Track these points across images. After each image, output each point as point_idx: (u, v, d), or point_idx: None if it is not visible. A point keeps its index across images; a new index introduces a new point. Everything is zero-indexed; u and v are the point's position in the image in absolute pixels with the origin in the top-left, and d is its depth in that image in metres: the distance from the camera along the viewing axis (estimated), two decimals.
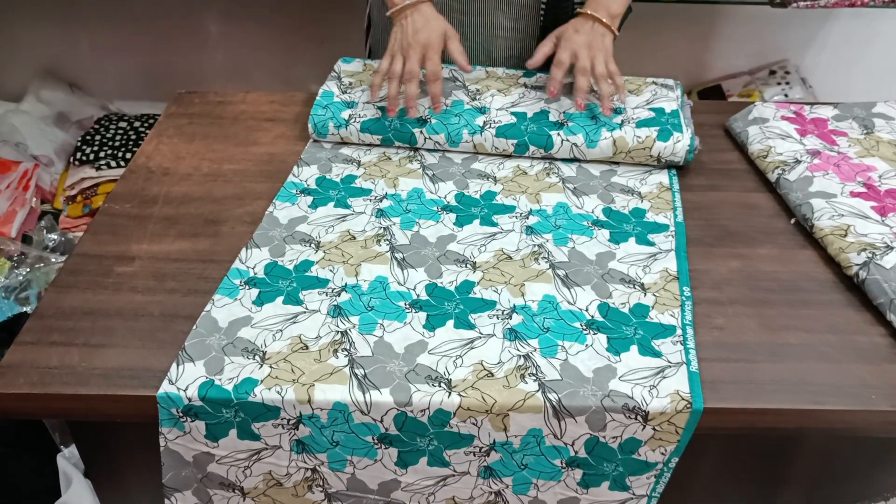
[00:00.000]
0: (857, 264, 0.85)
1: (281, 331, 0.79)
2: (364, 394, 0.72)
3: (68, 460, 1.30)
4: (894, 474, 0.89)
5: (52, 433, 1.32)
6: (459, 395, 0.72)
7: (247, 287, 0.84)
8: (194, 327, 0.79)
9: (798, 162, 1.00)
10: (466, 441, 0.75)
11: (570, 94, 1.09)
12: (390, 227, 0.93)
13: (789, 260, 0.90)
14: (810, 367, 0.77)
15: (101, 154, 1.97)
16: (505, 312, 0.81)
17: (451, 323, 0.80)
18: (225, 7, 2.03)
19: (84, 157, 1.96)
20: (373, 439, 0.75)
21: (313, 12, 2.01)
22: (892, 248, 0.84)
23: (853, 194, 0.94)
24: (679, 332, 0.80)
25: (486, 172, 1.04)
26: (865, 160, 1.01)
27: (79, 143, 2.00)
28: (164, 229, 0.92)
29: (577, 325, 0.80)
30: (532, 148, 1.05)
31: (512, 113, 1.07)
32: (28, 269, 1.77)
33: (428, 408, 0.72)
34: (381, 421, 0.73)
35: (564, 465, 0.76)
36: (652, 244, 0.91)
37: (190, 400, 0.72)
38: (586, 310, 0.82)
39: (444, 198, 0.99)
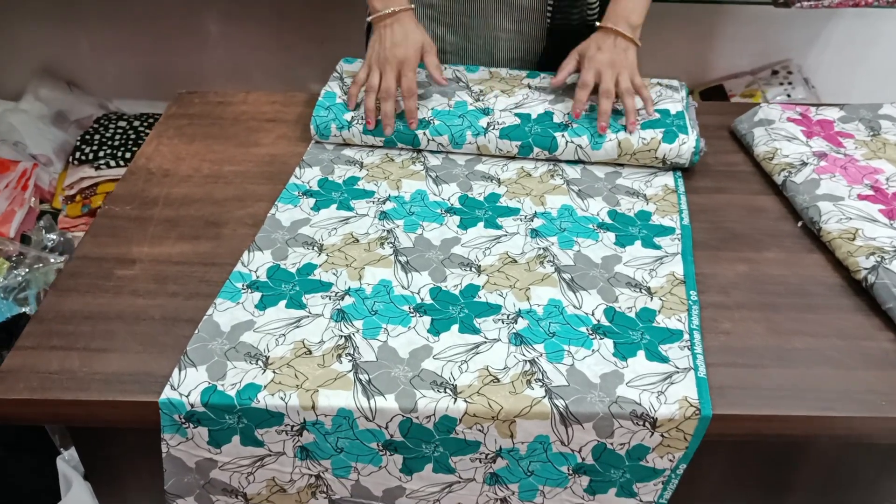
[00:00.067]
0: (866, 268, 0.84)
1: (284, 335, 0.78)
2: (369, 400, 0.71)
3: (68, 463, 1.29)
4: None
5: (52, 436, 1.32)
6: (465, 401, 0.72)
7: (249, 291, 0.83)
8: (196, 331, 0.78)
9: (804, 164, 0.99)
10: (472, 448, 0.74)
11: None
12: (394, 229, 0.92)
13: (796, 264, 0.89)
14: (818, 372, 0.76)
15: (101, 153, 1.95)
16: (510, 317, 0.81)
17: (455, 327, 0.79)
18: (224, 6, 2.02)
19: (83, 157, 1.95)
20: (377, 446, 0.74)
21: (313, 12, 2.00)
22: None
23: (861, 197, 0.93)
24: (686, 336, 0.79)
25: (490, 174, 1.03)
26: (872, 162, 1.00)
27: (78, 143, 1.99)
28: (165, 231, 0.91)
29: (583, 329, 0.79)
30: (536, 150, 1.04)
31: (516, 114, 1.06)
32: (27, 270, 1.76)
33: (433, 414, 0.71)
34: (386, 427, 0.72)
35: (571, 471, 0.76)
36: (658, 247, 0.91)
37: (192, 406, 0.71)
38: (592, 314, 0.81)
39: (448, 200, 0.98)
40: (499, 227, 0.93)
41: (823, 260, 0.89)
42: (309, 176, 1.01)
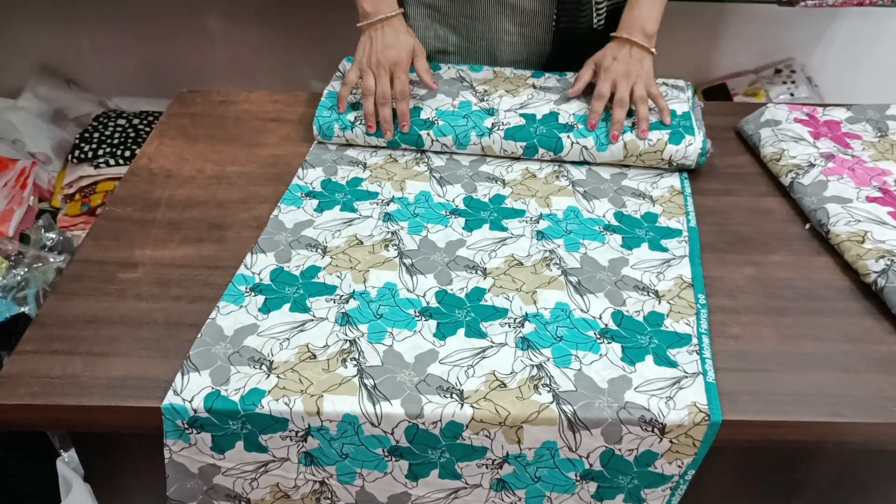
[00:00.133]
0: (876, 272, 0.83)
1: (288, 339, 0.77)
2: (374, 405, 0.71)
3: (67, 465, 1.28)
4: None
5: (52, 437, 1.31)
6: (472, 406, 0.71)
7: (252, 294, 0.82)
8: (199, 336, 0.77)
9: (812, 165, 0.98)
10: (479, 453, 0.73)
11: (582, 97, 1.08)
12: (398, 231, 0.92)
13: (804, 267, 0.88)
14: (828, 377, 0.75)
15: (100, 152, 1.94)
16: (517, 321, 0.80)
17: (461, 331, 0.78)
18: (224, 4, 2.00)
19: (82, 155, 1.94)
20: (383, 451, 0.73)
21: (313, 11, 1.99)
22: None
23: (869, 199, 0.92)
24: (695, 341, 0.78)
25: (495, 175, 1.02)
26: (880, 164, 0.99)
27: (77, 141, 1.98)
28: (168, 234, 0.90)
29: (590, 333, 0.79)
30: (541, 150, 1.03)
31: (521, 115, 1.05)
32: (26, 269, 1.75)
33: (440, 420, 0.71)
34: (392, 433, 0.71)
35: (579, 477, 0.75)
36: (665, 250, 0.90)
37: (196, 411, 0.71)
38: (600, 318, 0.80)
39: (453, 201, 0.97)
40: (504, 229, 0.92)
41: (832, 263, 0.89)
42: (312, 177, 1.01)
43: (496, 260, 0.88)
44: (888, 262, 0.82)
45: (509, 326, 0.79)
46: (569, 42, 1.13)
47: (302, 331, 0.78)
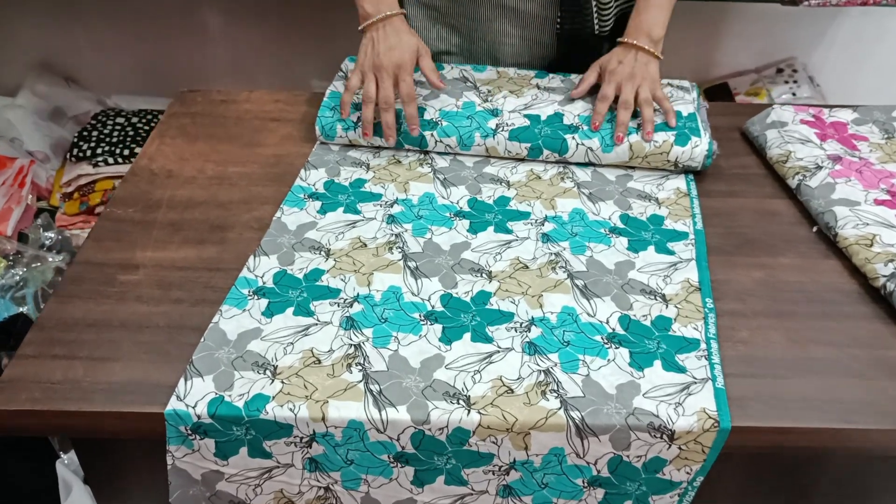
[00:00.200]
0: (885, 276, 0.82)
1: (292, 344, 0.76)
2: (380, 411, 0.70)
3: (67, 467, 1.27)
4: None
5: (51, 439, 1.30)
6: (479, 412, 0.70)
7: (255, 297, 0.81)
8: (202, 340, 0.76)
9: (819, 168, 0.97)
10: (486, 460, 0.72)
11: (587, 98, 1.07)
12: (402, 233, 0.91)
13: (812, 270, 0.87)
14: (838, 383, 0.74)
15: (99, 150, 1.93)
16: (523, 325, 0.79)
17: (467, 336, 0.78)
18: (224, 3, 1.99)
19: (81, 154, 1.92)
20: (388, 458, 0.72)
21: (313, 9, 1.97)
22: None
23: (877, 202, 0.91)
24: (703, 346, 0.77)
25: (499, 177, 1.01)
26: (888, 166, 0.99)
27: (75, 139, 1.96)
28: (169, 235, 0.89)
29: (598, 338, 0.78)
30: (546, 152, 1.02)
31: (525, 115, 1.04)
32: (24, 269, 1.74)
33: (446, 426, 0.70)
34: (398, 439, 0.71)
35: (586, 484, 0.74)
36: (672, 253, 0.89)
37: (199, 417, 0.70)
38: (607, 322, 0.80)
39: (457, 203, 0.96)
40: (509, 232, 0.91)
41: (840, 266, 0.88)
42: (314, 178, 1.00)
43: (501, 263, 0.87)
44: None
45: (515, 331, 0.78)
46: (573, 46, 1.12)
47: (306, 335, 0.77)
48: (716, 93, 2.05)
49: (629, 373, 0.74)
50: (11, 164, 1.88)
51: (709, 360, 0.76)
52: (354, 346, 0.76)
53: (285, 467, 0.74)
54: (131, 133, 1.99)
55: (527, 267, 0.86)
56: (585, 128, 1.02)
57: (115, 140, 1.96)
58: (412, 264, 0.86)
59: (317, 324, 0.78)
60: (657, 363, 0.75)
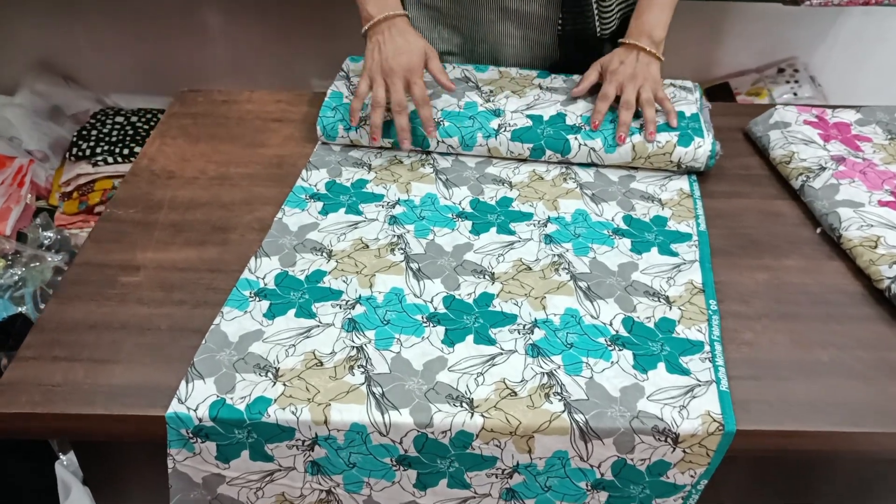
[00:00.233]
0: (889, 277, 0.82)
1: (294, 346, 0.76)
2: (383, 414, 0.69)
3: (66, 468, 1.27)
4: None
5: (51, 440, 1.29)
6: (482, 415, 0.70)
7: (257, 299, 0.81)
8: (203, 342, 0.75)
9: (823, 169, 0.97)
10: (489, 463, 0.72)
11: (588, 97, 1.06)
12: (404, 234, 0.90)
13: (816, 271, 0.87)
14: (844, 386, 0.74)
15: (98, 150, 1.92)
16: (526, 327, 0.78)
17: (470, 338, 0.77)
18: (224, 2, 1.98)
19: (80, 153, 1.92)
20: (391, 461, 0.72)
21: (313, 8, 1.97)
22: None
23: (881, 203, 0.91)
24: (707, 348, 0.77)
25: (501, 177, 1.00)
26: (891, 167, 0.98)
27: (74, 139, 1.95)
28: (171, 236, 0.88)
29: (601, 340, 0.77)
30: (549, 152, 1.01)
31: (528, 116, 1.03)
32: (23, 268, 1.73)
33: (450, 429, 0.69)
34: (401, 442, 0.70)
35: (590, 487, 0.74)
36: (675, 254, 0.88)
37: (200, 420, 0.69)
38: (610, 324, 0.79)
39: (459, 204, 0.96)
40: (512, 233, 0.91)
41: (844, 267, 0.87)
42: (316, 178, 0.99)
43: (504, 264, 0.86)
44: None
45: (519, 333, 0.78)
46: (575, 47, 1.12)
47: (308, 337, 0.77)
48: (717, 92, 2.05)
49: (633, 375, 0.74)
50: (10, 163, 1.88)
51: (713, 363, 0.75)
52: (357, 348, 0.76)
53: (287, 470, 0.73)
54: (131, 132, 1.98)
55: (530, 268, 0.86)
56: (588, 128, 1.01)
57: (114, 139, 1.95)
58: (414, 266, 0.86)
59: (319, 326, 0.78)
60: (661, 365, 0.75)
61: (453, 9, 1.14)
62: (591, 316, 0.80)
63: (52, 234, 1.85)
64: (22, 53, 2.07)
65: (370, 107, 0.98)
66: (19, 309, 1.66)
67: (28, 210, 1.90)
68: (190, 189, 0.96)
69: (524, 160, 1.03)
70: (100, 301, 0.80)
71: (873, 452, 0.74)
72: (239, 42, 2.05)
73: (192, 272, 0.84)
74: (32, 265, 1.76)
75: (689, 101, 1.07)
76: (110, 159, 1.91)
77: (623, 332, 0.78)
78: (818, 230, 0.93)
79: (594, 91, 1.05)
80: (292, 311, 0.79)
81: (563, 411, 0.70)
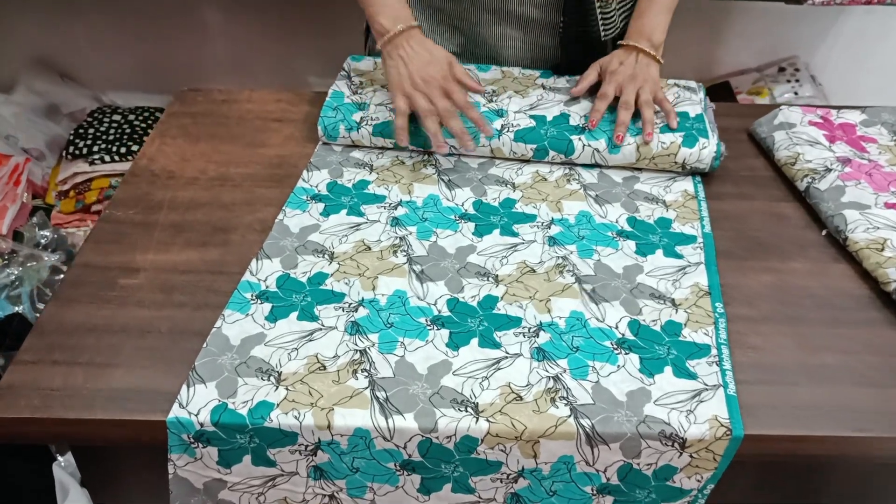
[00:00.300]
0: None
1: (296, 349, 0.75)
2: (387, 419, 0.68)
3: (64, 469, 1.26)
4: None
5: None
6: (487, 420, 0.69)
7: (259, 301, 0.80)
8: (204, 345, 0.74)
9: (828, 170, 0.96)
10: (494, 468, 0.71)
11: (591, 97, 1.05)
12: (406, 236, 0.89)
13: (823, 274, 0.86)
14: (851, 391, 0.73)
15: (95, 148, 1.91)
16: (531, 330, 0.78)
17: (475, 341, 0.76)
18: None
19: (77, 152, 1.90)
20: (395, 466, 0.71)
21: (313, 5, 1.96)
22: None
23: (888, 205, 0.90)
24: (714, 351, 0.76)
25: (504, 178, 1.00)
26: None
27: (71, 137, 1.94)
28: (171, 238, 0.87)
29: (607, 343, 0.77)
30: (552, 153, 1.00)
31: (531, 116, 1.03)
32: (20, 268, 1.72)
33: (454, 434, 0.68)
34: (405, 447, 0.69)
35: (595, 491, 0.73)
36: (680, 256, 0.88)
37: (202, 425, 0.68)
38: (616, 327, 0.78)
39: (462, 205, 0.95)
40: (515, 235, 0.90)
41: (850, 270, 0.87)
42: (317, 179, 0.98)
43: (508, 267, 0.86)
44: None
45: (524, 336, 0.77)
46: (576, 50, 1.11)
47: (310, 340, 0.76)
48: (717, 91, 2.04)
49: (639, 379, 0.73)
50: (7, 161, 1.86)
51: (720, 367, 0.74)
52: (360, 351, 0.75)
53: (289, 475, 0.72)
54: (128, 131, 1.97)
55: (534, 271, 0.85)
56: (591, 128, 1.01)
57: (111, 138, 1.94)
58: (417, 268, 0.85)
59: (321, 329, 0.77)
60: (668, 369, 0.74)
61: (455, 10, 1.14)
62: (597, 319, 0.79)
63: (48, 233, 1.84)
64: (18, 51, 2.05)
65: (420, 118, 0.97)
66: (16, 308, 1.65)
67: (24, 209, 1.89)
68: (190, 189, 0.95)
69: (527, 161, 1.03)
70: (99, 303, 0.79)
71: (881, 457, 0.73)
72: (237, 40, 2.04)
73: (192, 274, 0.83)
74: (29, 264, 1.75)
75: (694, 102, 1.06)
76: (107, 158, 1.90)
77: (629, 336, 0.77)
78: (823, 232, 0.92)
79: (594, 91, 1.05)
80: (294, 314, 0.78)
81: (570, 416, 0.69)
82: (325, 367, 0.73)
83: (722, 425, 0.69)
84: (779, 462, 0.79)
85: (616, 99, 1.01)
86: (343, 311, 0.79)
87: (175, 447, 0.70)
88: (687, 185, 0.99)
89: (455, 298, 0.81)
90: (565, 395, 0.71)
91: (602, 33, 1.08)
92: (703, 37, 2.02)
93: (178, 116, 1.09)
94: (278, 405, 0.69)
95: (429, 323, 0.78)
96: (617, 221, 0.93)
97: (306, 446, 0.70)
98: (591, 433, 0.68)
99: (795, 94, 1.97)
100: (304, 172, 0.99)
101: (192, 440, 0.69)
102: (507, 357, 0.75)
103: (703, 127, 1.01)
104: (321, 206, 0.93)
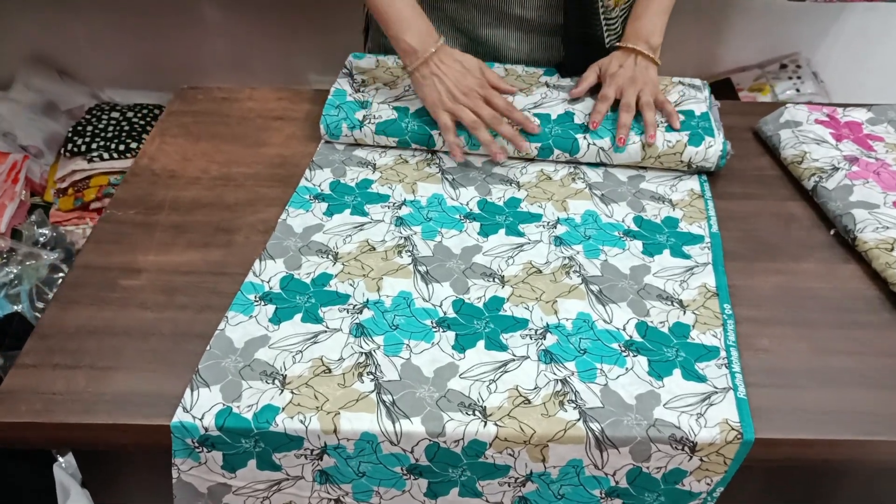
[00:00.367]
0: None
1: (301, 352, 0.74)
2: (394, 423, 0.68)
3: (65, 470, 1.25)
4: None
5: None
6: (496, 424, 0.68)
7: (262, 303, 0.79)
8: (208, 348, 0.74)
9: (836, 169, 0.95)
10: (502, 472, 0.70)
11: (594, 95, 1.05)
12: (411, 236, 0.88)
13: (831, 275, 0.86)
14: (862, 394, 0.72)
15: (93, 145, 1.90)
16: (538, 332, 0.77)
17: (481, 343, 0.75)
18: None
19: (75, 149, 1.89)
20: (401, 470, 0.70)
21: (313, 1, 1.94)
22: None
23: None
24: (723, 354, 0.75)
25: (509, 177, 0.99)
26: None
27: (69, 134, 1.93)
28: (173, 238, 0.86)
29: (615, 346, 0.76)
30: (556, 152, 0.99)
31: (535, 115, 1.02)
32: (18, 266, 1.71)
33: (462, 438, 0.68)
34: (412, 451, 0.69)
35: (604, 495, 0.72)
36: (688, 257, 0.87)
37: (206, 429, 0.67)
38: (624, 329, 0.78)
39: (466, 205, 0.94)
40: (521, 235, 0.89)
41: (860, 271, 0.86)
42: (320, 178, 0.97)
43: (514, 267, 0.85)
44: None
45: (530, 338, 0.76)
46: (580, 50, 1.10)
47: (315, 342, 0.75)
48: (719, 88, 2.03)
49: (648, 382, 0.72)
50: (4, 159, 1.85)
51: (729, 369, 0.74)
52: (365, 354, 0.74)
53: (295, 480, 0.71)
54: (127, 128, 1.96)
55: (540, 271, 0.84)
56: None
57: (110, 135, 1.93)
58: (422, 268, 0.84)
59: (326, 331, 0.76)
60: (677, 372, 0.73)
61: (456, 11, 1.13)
62: (604, 321, 0.78)
63: (47, 231, 1.83)
64: (16, 47, 2.04)
65: (469, 130, 0.96)
66: (15, 308, 1.64)
67: (23, 207, 1.87)
68: (192, 189, 0.94)
69: (531, 160, 1.02)
70: (100, 305, 0.78)
71: (893, 462, 0.73)
72: (236, 37, 2.03)
73: (195, 275, 0.82)
74: (28, 263, 1.74)
75: (699, 100, 1.05)
76: (106, 155, 1.89)
77: (637, 338, 0.77)
78: (832, 232, 0.91)
79: (595, 91, 1.04)
80: (298, 316, 0.78)
81: (579, 420, 0.68)
82: (330, 370, 0.72)
83: (733, 429, 0.68)
84: (787, 465, 0.78)
85: (617, 102, 1.01)
86: (348, 312, 0.78)
87: (179, 452, 0.69)
88: (693, 183, 0.98)
89: (461, 300, 0.80)
90: (574, 399, 0.70)
91: (606, 41, 1.07)
92: (705, 33, 2.01)
93: (178, 115, 1.08)
94: (283, 409, 0.68)
95: (434, 325, 0.77)
96: (623, 221, 0.92)
97: (312, 451, 0.69)
98: (601, 437, 0.68)
99: (797, 90, 1.97)
100: (307, 171, 0.98)
101: (196, 445, 0.68)
102: (514, 360, 0.74)
103: (709, 125, 1.00)
104: (324, 205, 0.92)
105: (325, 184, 0.96)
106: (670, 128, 0.99)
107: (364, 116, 1.01)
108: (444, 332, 0.76)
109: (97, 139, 1.91)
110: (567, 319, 0.78)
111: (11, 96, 2.01)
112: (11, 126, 1.95)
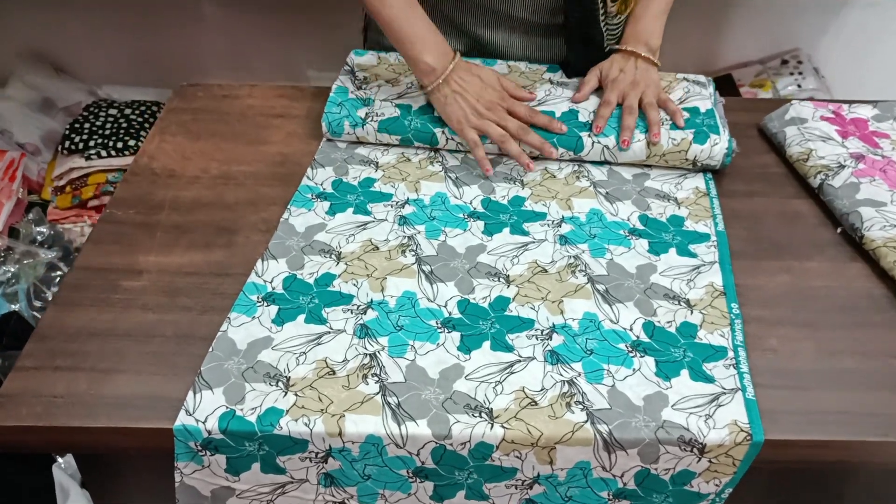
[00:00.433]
0: None
1: (305, 353, 0.73)
2: (399, 426, 0.67)
3: (64, 471, 1.24)
4: None
5: None
6: (503, 426, 0.67)
7: (265, 304, 0.78)
8: (210, 350, 0.73)
9: (842, 166, 0.95)
10: (508, 474, 0.69)
11: (599, 93, 1.04)
12: (415, 235, 0.87)
13: (839, 274, 0.85)
14: (871, 394, 0.72)
15: (91, 143, 1.88)
16: (544, 332, 0.76)
17: (487, 344, 0.75)
18: None
19: (73, 146, 1.88)
20: (407, 473, 0.69)
21: None
22: None
23: None
24: (731, 354, 0.75)
25: (513, 175, 0.98)
26: None
27: (67, 132, 1.92)
28: (174, 239, 0.85)
29: (622, 346, 0.75)
30: (561, 150, 0.99)
31: (539, 112, 1.01)
32: (16, 265, 1.70)
33: (469, 440, 0.67)
34: (418, 454, 0.68)
35: (611, 496, 0.72)
36: (694, 255, 0.86)
37: (210, 433, 0.67)
38: (630, 329, 0.77)
39: (470, 203, 0.93)
40: (526, 234, 0.88)
41: (867, 269, 0.85)
42: (322, 177, 0.96)
43: (519, 266, 0.84)
44: None
45: (537, 339, 0.75)
46: (582, 51, 1.09)
47: (319, 344, 0.74)
48: (720, 84, 2.00)
49: (656, 383, 0.71)
50: (2, 156, 1.84)
51: (737, 370, 0.73)
52: (370, 355, 0.73)
53: (299, 482, 0.71)
54: (124, 125, 1.94)
55: (545, 271, 0.83)
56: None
57: (107, 132, 1.91)
58: (427, 268, 0.83)
59: (330, 332, 0.75)
60: (684, 372, 0.73)
61: (457, 13, 1.12)
62: (611, 321, 0.78)
63: (44, 230, 1.82)
64: (12, 44, 2.03)
65: (499, 145, 0.96)
66: (13, 307, 1.63)
67: (20, 205, 1.86)
68: (193, 189, 0.93)
69: (535, 158, 1.01)
70: (101, 307, 0.77)
71: None
72: (234, 33, 2.02)
73: (196, 276, 0.81)
74: (25, 261, 1.73)
75: (704, 97, 1.04)
76: (104, 153, 1.88)
77: (644, 338, 0.76)
78: (839, 230, 0.91)
79: (596, 92, 1.04)
80: (302, 317, 0.77)
81: (586, 421, 0.68)
82: (334, 372, 0.71)
83: (742, 430, 0.67)
84: (795, 467, 0.77)
85: (619, 106, 1.00)
86: (351, 313, 0.77)
87: (182, 455, 0.68)
88: (698, 181, 0.98)
89: (466, 300, 0.79)
90: (581, 400, 0.69)
91: (606, 46, 1.07)
92: (706, 29, 2.00)
93: (177, 113, 1.07)
94: (287, 412, 0.67)
95: (439, 325, 0.76)
96: (629, 219, 0.91)
97: (317, 453, 0.68)
98: (609, 439, 0.67)
99: (798, 86, 1.96)
100: (309, 170, 0.97)
101: (199, 448, 0.67)
102: (520, 360, 0.73)
103: (714, 123, 0.99)
104: (327, 204, 0.91)
105: (328, 182, 0.95)
106: (675, 126, 0.98)
107: (366, 114, 1.00)
108: (449, 332, 0.76)
109: (95, 136, 1.90)
110: (573, 319, 0.78)
111: (8, 93, 2.00)
112: (8, 123, 1.94)
